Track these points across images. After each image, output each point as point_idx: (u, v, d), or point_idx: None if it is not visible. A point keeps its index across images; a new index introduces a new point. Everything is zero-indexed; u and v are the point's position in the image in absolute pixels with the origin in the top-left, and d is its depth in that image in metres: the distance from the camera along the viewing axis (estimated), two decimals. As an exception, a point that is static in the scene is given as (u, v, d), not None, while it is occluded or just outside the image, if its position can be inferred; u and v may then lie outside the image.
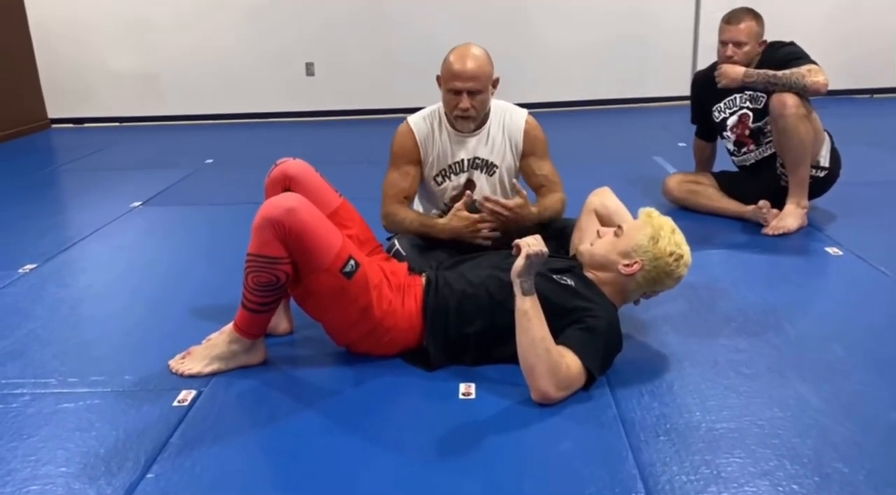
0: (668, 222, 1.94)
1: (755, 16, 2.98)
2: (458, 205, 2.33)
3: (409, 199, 2.46)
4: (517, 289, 1.74)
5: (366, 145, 4.92)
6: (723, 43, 3.02)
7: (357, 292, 1.86)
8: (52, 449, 1.66)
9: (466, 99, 2.29)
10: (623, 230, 1.95)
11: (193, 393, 1.87)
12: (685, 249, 1.93)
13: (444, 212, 2.55)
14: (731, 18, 2.99)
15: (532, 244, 1.73)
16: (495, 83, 2.38)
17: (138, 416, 1.77)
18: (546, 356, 1.71)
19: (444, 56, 2.34)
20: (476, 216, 2.30)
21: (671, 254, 1.89)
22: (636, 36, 5.95)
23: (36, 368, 2.04)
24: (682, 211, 3.22)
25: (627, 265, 1.91)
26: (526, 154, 2.47)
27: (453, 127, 2.43)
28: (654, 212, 1.97)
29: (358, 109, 6.13)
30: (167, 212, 3.63)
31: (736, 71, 2.94)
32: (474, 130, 2.43)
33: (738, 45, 2.96)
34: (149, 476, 1.55)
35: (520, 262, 1.73)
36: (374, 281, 1.90)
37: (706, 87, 3.15)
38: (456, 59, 2.29)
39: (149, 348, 2.12)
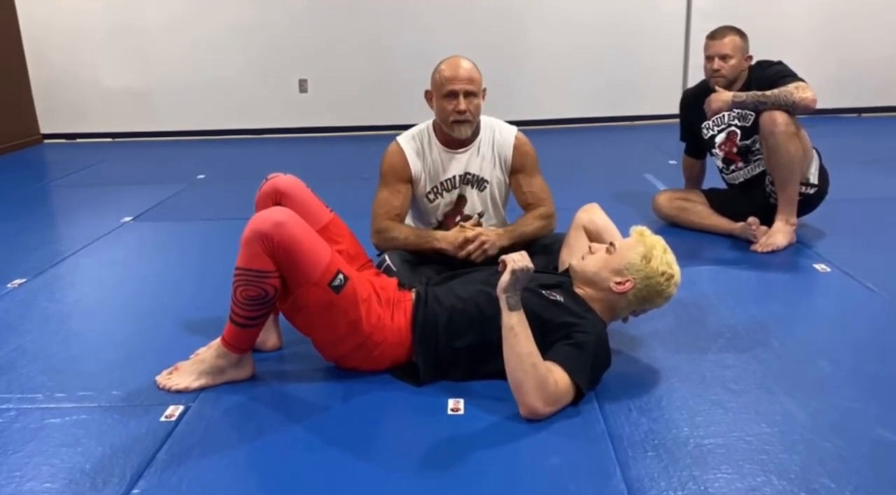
0: (659, 241, 1.96)
1: (738, 31, 3.04)
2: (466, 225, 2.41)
3: (400, 218, 2.46)
4: (503, 305, 1.75)
5: (358, 162, 4.93)
6: (709, 58, 3.06)
7: (346, 306, 1.86)
8: (37, 464, 1.65)
9: (464, 101, 2.32)
10: (615, 248, 1.96)
11: (181, 408, 1.86)
12: (676, 269, 1.94)
13: (435, 229, 2.56)
14: (716, 34, 3.05)
15: (517, 260, 1.74)
16: (483, 94, 2.41)
17: (125, 432, 1.76)
18: (533, 371, 1.71)
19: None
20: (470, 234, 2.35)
21: (663, 273, 1.91)
22: (627, 55, 6.00)
23: (23, 383, 2.03)
24: (672, 227, 3.23)
25: (619, 283, 1.92)
26: (515, 170, 2.48)
27: (444, 143, 2.44)
28: (647, 231, 1.98)
29: (350, 126, 6.16)
30: (158, 228, 3.63)
31: (724, 97, 2.97)
32: (465, 145, 2.44)
33: (723, 58, 3.00)
34: (134, 491, 1.54)
35: (505, 278, 1.73)
36: (363, 295, 1.90)
37: (695, 105, 3.18)
38: (448, 67, 2.34)
39: (137, 363, 2.11)
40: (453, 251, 2.33)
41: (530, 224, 2.44)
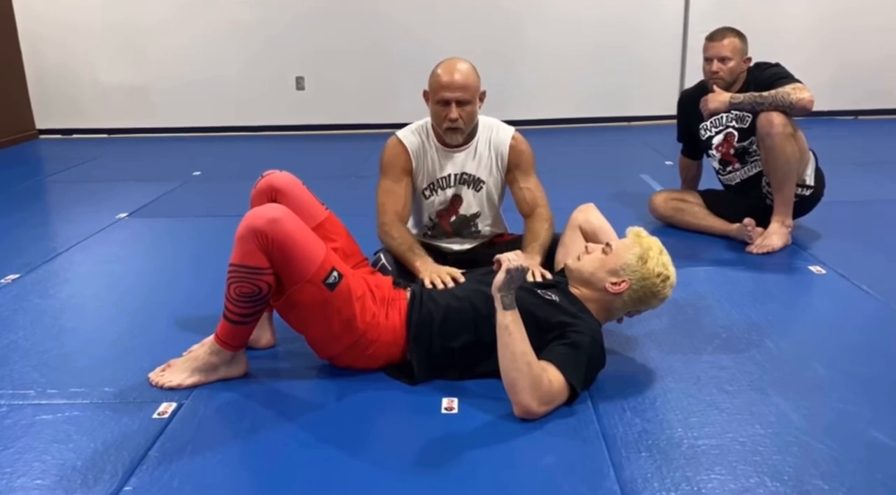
0: (656, 242, 1.96)
1: (737, 33, 3.03)
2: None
3: (407, 210, 2.43)
4: (498, 304, 1.75)
5: (355, 160, 4.93)
6: (707, 60, 3.06)
7: (340, 304, 1.85)
8: (28, 460, 1.64)
9: (455, 109, 2.30)
10: (611, 248, 1.96)
11: (174, 405, 1.85)
12: (671, 270, 1.94)
13: (429, 227, 2.56)
14: (715, 35, 3.04)
15: (513, 259, 1.74)
16: (482, 97, 2.40)
17: (117, 429, 1.76)
18: (527, 370, 1.70)
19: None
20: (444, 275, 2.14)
21: (659, 274, 1.91)
22: (624, 55, 6.00)
23: (15, 379, 2.02)
24: (668, 228, 3.23)
25: (615, 283, 1.92)
26: (511, 168, 2.48)
27: (441, 141, 2.43)
28: (643, 232, 1.98)
29: (347, 124, 6.15)
30: (153, 224, 3.62)
31: (722, 97, 2.98)
32: (462, 144, 2.43)
33: (722, 60, 3.00)
34: (126, 488, 1.53)
35: (500, 277, 1.73)
36: (357, 292, 1.89)
37: (693, 106, 3.18)
38: (444, 72, 2.31)
39: (130, 360, 2.11)
40: (425, 280, 2.13)
41: (543, 232, 2.36)
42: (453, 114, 2.31)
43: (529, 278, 2.02)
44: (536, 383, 1.71)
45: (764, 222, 2.99)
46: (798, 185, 2.99)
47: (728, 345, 2.15)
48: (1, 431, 1.76)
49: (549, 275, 2.13)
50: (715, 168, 3.24)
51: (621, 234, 2.06)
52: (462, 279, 2.11)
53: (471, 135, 2.44)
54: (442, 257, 2.45)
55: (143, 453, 1.65)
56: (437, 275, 2.12)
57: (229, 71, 6.03)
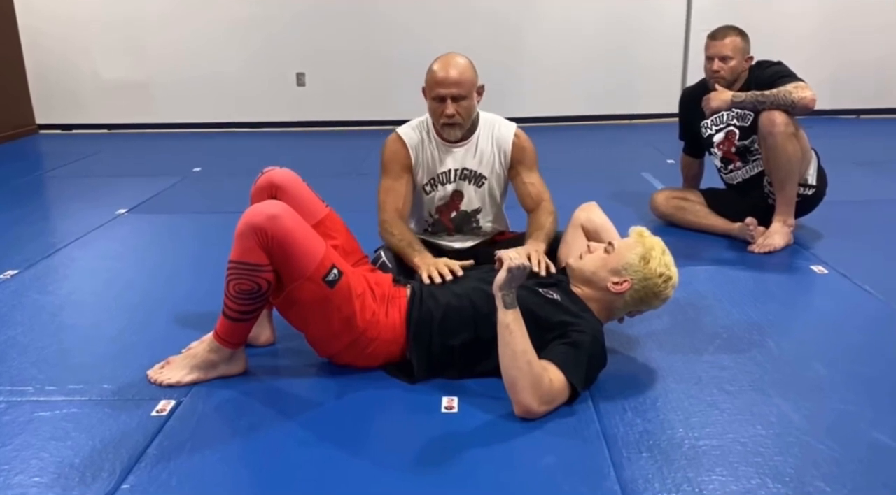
0: (658, 242, 1.95)
1: (740, 32, 3.02)
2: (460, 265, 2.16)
3: (407, 207, 2.43)
4: (499, 303, 1.74)
5: (355, 157, 4.92)
6: (709, 58, 3.05)
7: (340, 301, 1.84)
8: (25, 458, 1.63)
9: (451, 105, 2.30)
10: (614, 248, 1.95)
11: (172, 403, 1.84)
12: (674, 271, 1.94)
13: (430, 224, 2.55)
14: (717, 34, 3.03)
15: (514, 257, 1.73)
16: (480, 91, 2.39)
17: (115, 426, 1.75)
18: (528, 369, 1.70)
19: (432, 68, 2.34)
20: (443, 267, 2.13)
21: (661, 275, 1.90)
22: (625, 53, 5.99)
23: (13, 375, 2.01)
24: (669, 227, 3.23)
25: (617, 283, 1.91)
26: (514, 164, 2.47)
27: (441, 137, 2.43)
28: (646, 232, 1.97)
29: (348, 120, 6.14)
30: (153, 220, 3.61)
31: (724, 96, 2.97)
32: (461, 140, 2.43)
33: (723, 59, 2.99)
34: (124, 486, 1.52)
35: (501, 275, 1.72)
36: (357, 290, 1.88)
37: (694, 104, 3.17)
38: (440, 67, 2.30)
39: (129, 357, 2.10)
40: (423, 274, 2.12)
41: (548, 224, 2.35)
42: (449, 110, 2.30)
43: (535, 267, 2.02)
44: (537, 382, 1.70)
45: (766, 221, 2.98)
46: (800, 185, 2.98)
47: (729, 345, 2.14)
48: (-1, 428, 1.75)
49: (552, 266, 2.12)
50: (717, 166, 3.24)
51: (623, 233, 2.05)
52: (460, 272, 2.10)
53: (471, 130, 2.43)
54: (443, 255, 2.44)
55: (141, 450, 1.64)
56: (434, 268, 2.11)
57: (230, 67, 6.02)
